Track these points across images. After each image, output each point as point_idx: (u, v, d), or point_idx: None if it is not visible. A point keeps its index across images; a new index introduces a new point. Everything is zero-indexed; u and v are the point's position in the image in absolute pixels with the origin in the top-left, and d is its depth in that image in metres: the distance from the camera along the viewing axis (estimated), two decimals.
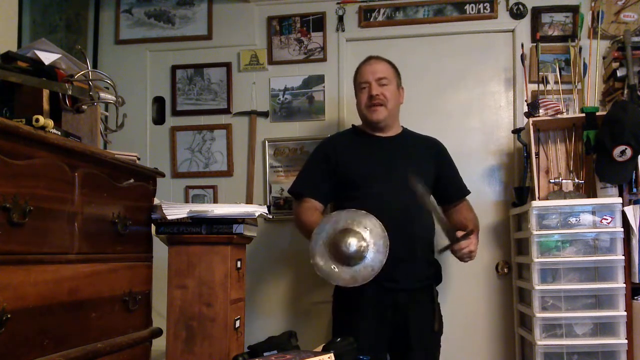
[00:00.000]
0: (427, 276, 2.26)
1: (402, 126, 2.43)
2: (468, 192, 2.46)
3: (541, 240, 2.36)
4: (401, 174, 2.23)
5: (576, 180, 2.51)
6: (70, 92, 1.61)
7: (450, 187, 2.42)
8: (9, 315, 1.20)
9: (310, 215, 2.24)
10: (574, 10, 2.77)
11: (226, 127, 2.98)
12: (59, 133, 1.43)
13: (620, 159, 2.33)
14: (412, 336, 2.17)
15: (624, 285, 2.27)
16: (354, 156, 2.30)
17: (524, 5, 2.82)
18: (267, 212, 2.09)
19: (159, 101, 3.06)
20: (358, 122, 2.51)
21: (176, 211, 1.90)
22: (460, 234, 2.11)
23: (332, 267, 2.01)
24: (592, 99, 2.62)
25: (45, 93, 1.55)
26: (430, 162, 2.36)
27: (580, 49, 2.67)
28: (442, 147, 2.45)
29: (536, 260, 2.33)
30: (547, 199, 2.44)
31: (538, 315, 2.31)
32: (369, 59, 2.36)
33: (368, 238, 2.00)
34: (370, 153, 2.29)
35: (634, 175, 2.36)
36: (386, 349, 2.22)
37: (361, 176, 2.24)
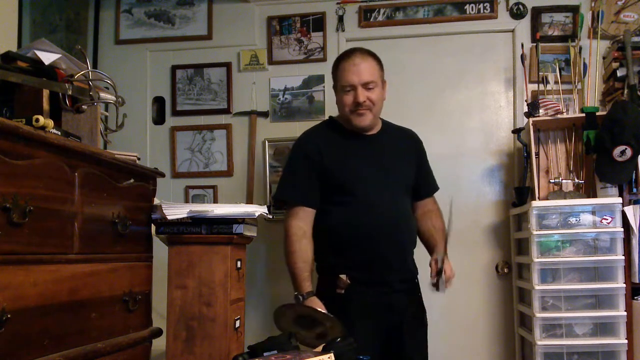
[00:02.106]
0: (414, 272, 2.24)
1: (380, 119, 2.30)
2: (437, 188, 2.37)
3: (541, 240, 2.36)
4: (390, 173, 2.19)
5: (576, 180, 2.51)
6: (70, 92, 1.61)
7: (423, 182, 2.31)
8: (9, 315, 1.20)
9: (303, 254, 2.12)
10: (574, 10, 2.77)
11: (226, 127, 2.98)
12: (59, 133, 1.43)
13: (620, 159, 2.33)
14: (406, 335, 2.15)
15: (624, 285, 2.27)
16: (340, 157, 2.17)
17: (524, 5, 2.82)
18: (267, 212, 2.08)
19: (159, 101, 3.06)
20: None
21: (176, 211, 1.90)
22: (433, 276, 2.11)
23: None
24: (592, 99, 2.62)
25: (45, 93, 1.55)
26: (413, 157, 2.29)
27: (580, 49, 2.67)
28: (421, 142, 2.36)
29: (536, 260, 2.33)
30: (547, 199, 2.44)
31: (538, 315, 2.31)
32: (353, 54, 2.15)
33: None
34: (357, 154, 2.19)
35: (634, 175, 2.36)
36: (380, 350, 2.20)
37: (349, 179, 2.15)
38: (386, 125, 2.31)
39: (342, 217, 2.14)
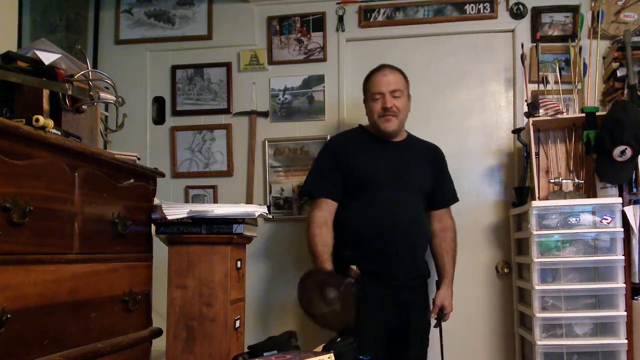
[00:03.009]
0: (424, 273, 2.39)
1: (406, 131, 2.47)
2: (456, 200, 2.54)
3: (541, 240, 2.35)
4: (408, 178, 2.33)
5: (576, 180, 2.51)
6: (70, 92, 1.61)
7: (441, 192, 2.47)
8: (9, 315, 1.20)
9: (324, 238, 2.27)
10: (574, 10, 2.77)
11: (226, 127, 2.98)
12: (59, 133, 1.44)
13: (620, 159, 2.32)
14: (411, 331, 2.26)
15: (624, 285, 2.27)
16: (364, 158, 2.34)
17: (524, 5, 2.82)
18: (267, 212, 2.10)
19: (159, 101, 3.05)
20: (358, 122, 2.52)
21: (176, 211, 1.90)
22: (435, 314, 2.39)
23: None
24: (592, 99, 2.61)
25: (45, 93, 1.55)
26: (432, 168, 2.43)
27: (580, 49, 2.66)
28: (442, 155, 2.52)
29: (536, 260, 2.33)
30: (547, 199, 2.44)
31: (538, 315, 2.31)
32: (383, 68, 2.37)
33: None
34: (380, 156, 2.34)
35: (634, 175, 2.36)
36: (386, 345, 2.25)
37: (370, 178, 2.29)
38: (411, 136, 2.48)
39: (359, 211, 2.27)
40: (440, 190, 2.46)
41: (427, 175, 2.41)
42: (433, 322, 2.42)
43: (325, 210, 2.32)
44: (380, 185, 2.28)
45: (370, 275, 2.20)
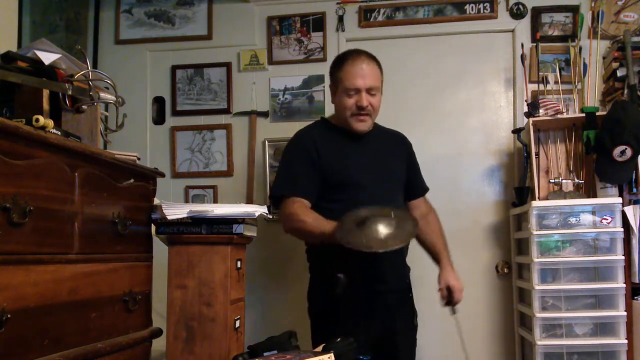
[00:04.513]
0: (408, 272, 2.27)
1: None
2: (427, 189, 2.38)
3: (541, 240, 2.36)
4: (387, 174, 2.21)
5: (576, 180, 2.51)
6: (70, 92, 1.61)
7: (415, 183, 2.33)
8: (9, 315, 1.20)
9: (310, 213, 2.08)
10: (574, 10, 2.77)
11: (226, 127, 2.98)
12: (59, 133, 1.44)
13: (620, 159, 2.33)
14: (399, 335, 2.15)
15: (624, 285, 2.27)
16: (337, 156, 2.17)
17: (524, 5, 2.82)
18: (267, 212, 2.08)
19: (159, 101, 3.06)
20: None
21: (176, 211, 1.90)
22: (444, 298, 2.20)
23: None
24: (592, 99, 2.62)
25: (45, 93, 1.55)
26: (404, 158, 2.31)
27: (580, 49, 2.67)
28: (410, 144, 2.37)
29: (536, 260, 2.33)
30: (547, 199, 2.44)
31: (538, 315, 2.31)
32: (359, 58, 2.14)
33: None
34: (352, 153, 2.19)
35: (634, 175, 2.36)
36: (375, 351, 2.18)
37: (347, 178, 2.14)
38: (377, 127, 2.31)
39: (338, 214, 2.07)
40: (414, 180, 2.32)
41: (402, 167, 2.28)
42: (442, 311, 2.25)
43: (301, 204, 2.09)
44: (357, 183, 2.13)
45: (358, 282, 2.07)
